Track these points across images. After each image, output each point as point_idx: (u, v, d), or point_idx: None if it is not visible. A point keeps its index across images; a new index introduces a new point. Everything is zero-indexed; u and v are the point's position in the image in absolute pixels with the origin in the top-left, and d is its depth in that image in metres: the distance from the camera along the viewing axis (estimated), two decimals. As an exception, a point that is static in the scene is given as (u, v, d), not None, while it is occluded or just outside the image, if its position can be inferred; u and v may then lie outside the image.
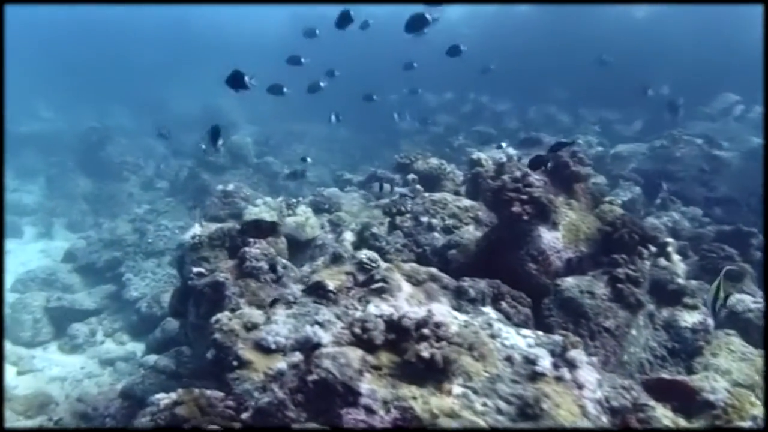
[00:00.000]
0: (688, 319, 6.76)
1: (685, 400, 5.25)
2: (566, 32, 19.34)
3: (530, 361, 4.58)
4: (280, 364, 4.33)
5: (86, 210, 18.59)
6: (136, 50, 34.56)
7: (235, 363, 4.46)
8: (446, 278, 5.83)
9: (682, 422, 4.69)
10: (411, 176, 10.09)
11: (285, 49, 11.02)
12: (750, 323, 7.16)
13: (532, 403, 4.15)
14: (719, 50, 17.71)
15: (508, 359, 4.64)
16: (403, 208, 8.25)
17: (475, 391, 4.28)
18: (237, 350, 4.55)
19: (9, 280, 13.49)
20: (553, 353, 4.68)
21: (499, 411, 4.15)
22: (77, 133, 22.26)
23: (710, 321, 6.88)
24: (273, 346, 4.54)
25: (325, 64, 11.56)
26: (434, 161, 10.66)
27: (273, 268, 6.69)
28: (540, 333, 5.15)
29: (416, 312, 4.56)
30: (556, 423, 4.07)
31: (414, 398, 4.09)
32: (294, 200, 9.65)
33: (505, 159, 9.03)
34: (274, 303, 6.48)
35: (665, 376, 5.94)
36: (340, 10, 9.04)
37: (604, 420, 4.32)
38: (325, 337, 4.46)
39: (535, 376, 4.46)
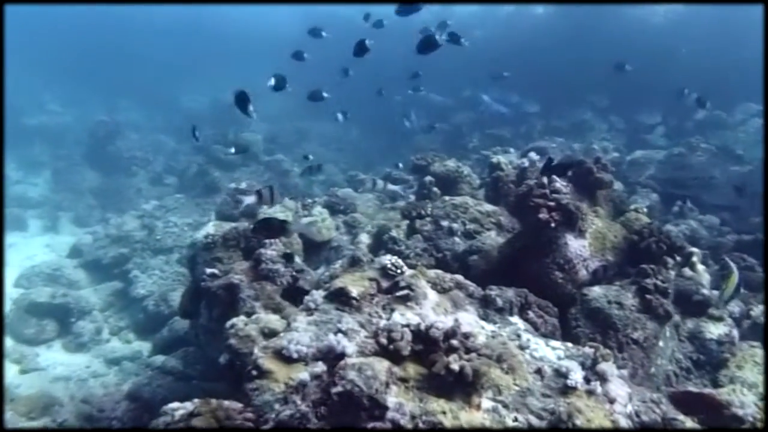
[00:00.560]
0: (714, 330, 6.65)
1: (713, 413, 5.12)
2: (581, 37, 19.11)
3: (561, 375, 4.41)
4: (302, 374, 4.14)
5: (93, 204, 18.39)
6: (147, 45, 34.46)
7: (254, 372, 4.26)
8: (472, 286, 5.64)
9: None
10: (428, 178, 9.88)
11: (296, 46, 10.86)
12: (774, 335, 6.99)
13: (565, 419, 3.97)
14: (737, 58, 17.48)
15: (539, 372, 4.47)
16: (423, 212, 8.06)
17: (505, 405, 4.10)
18: (256, 359, 4.35)
19: (13, 275, 13.30)
20: (583, 366, 4.50)
21: (531, 426, 3.97)
22: (86, 126, 22.07)
23: (735, 332, 6.74)
24: (295, 355, 4.33)
25: (334, 61, 11.40)
26: (451, 164, 10.43)
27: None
28: (569, 344, 4.97)
29: (444, 321, 4.36)
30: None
31: (443, 413, 3.90)
32: (310, 201, 9.49)
33: (527, 164, 8.82)
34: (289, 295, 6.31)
35: (692, 389, 5.80)
36: (357, 40, 8.82)
37: (637, 436, 4.16)
38: (349, 346, 4.27)
39: (567, 390, 4.29)
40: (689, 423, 4.49)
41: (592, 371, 4.45)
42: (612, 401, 4.28)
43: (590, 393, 4.29)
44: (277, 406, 4.04)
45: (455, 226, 7.90)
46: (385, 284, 5.22)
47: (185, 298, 7.96)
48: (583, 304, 6.01)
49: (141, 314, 12.16)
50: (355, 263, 6.86)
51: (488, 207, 8.26)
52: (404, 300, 4.99)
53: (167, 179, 19.57)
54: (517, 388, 4.27)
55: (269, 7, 36.42)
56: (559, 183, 6.48)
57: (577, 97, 18.29)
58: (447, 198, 8.56)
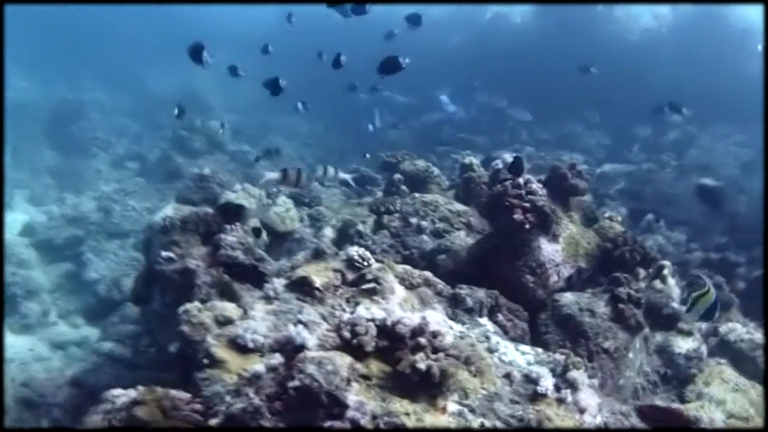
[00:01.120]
0: (682, 345, 6.53)
1: (680, 429, 5.03)
2: (561, 46, 19.01)
3: (531, 380, 4.21)
4: (258, 366, 3.84)
5: (50, 184, 17.72)
6: (117, 26, 33.65)
7: (205, 361, 3.95)
8: (441, 284, 5.41)
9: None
10: (397, 176, 9.70)
11: (270, 37, 10.64)
12: (742, 354, 6.89)
13: (534, 426, 3.77)
14: (711, 78, 17.57)
15: (507, 376, 4.25)
16: (391, 207, 7.80)
17: (471, 410, 3.86)
18: (209, 347, 4.03)
19: (-41, 251, 12.70)
20: (553, 372, 4.30)
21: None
22: (49, 104, 21.41)
23: (704, 348, 6.65)
24: (250, 345, 4.03)
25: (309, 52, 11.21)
26: (421, 163, 10.29)
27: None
28: (539, 350, 4.77)
29: (411, 318, 4.11)
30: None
31: (406, 414, 3.65)
32: (275, 189, 9.18)
33: (501, 165, 8.63)
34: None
35: (660, 403, 5.66)
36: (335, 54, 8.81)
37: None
38: (309, 339, 3.98)
39: (536, 397, 4.09)
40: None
41: (562, 379, 4.26)
42: (582, 411, 4.11)
43: (560, 401, 4.10)
44: (228, 399, 3.74)
45: (424, 223, 7.67)
46: (350, 276, 4.94)
47: (138, 282, 7.63)
48: (554, 310, 5.82)
49: (91, 298, 11.69)
50: (318, 255, 6.59)
51: (459, 206, 8.05)
52: (370, 293, 4.72)
53: (129, 163, 18.95)
54: (484, 392, 4.04)
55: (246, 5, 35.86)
56: (536, 184, 6.28)
57: (568, 108, 18.08)
58: (417, 195, 8.34)
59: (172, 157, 16.64)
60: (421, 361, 3.81)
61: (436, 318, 4.39)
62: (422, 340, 3.98)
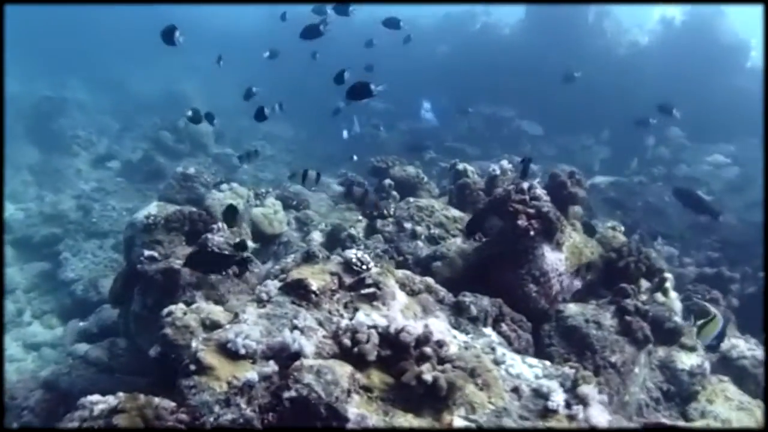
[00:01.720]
0: (686, 361, 6.24)
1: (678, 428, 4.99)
2: (549, 60, 18.85)
3: (541, 395, 3.93)
4: (250, 373, 3.54)
5: (29, 181, 17.26)
6: (103, 25, 33.18)
7: (192, 367, 3.63)
8: (443, 291, 5.12)
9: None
10: (387, 181, 9.48)
11: (260, 42, 10.47)
12: (744, 371, 6.67)
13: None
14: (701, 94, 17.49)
15: (515, 390, 3.98)
16: (385, 211, 7.52)
17: (479, 426, 3.58)
18: (196, 351, 3.71)
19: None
20: (563, 387, 4.03)
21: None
22: (31, 101, 20.95)
23: (707, 365, 6.41)
24: (242, 351, 3.71)
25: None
26: (411, 169, 10.15)
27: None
28: (547, 363, 4.49)
29: (415, 326, 3.82)
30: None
31: (411, 430, 3.36)
32: (263, 190, 8.88)
33: (498, 172, 8.37)
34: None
35: (666, 421, 5.43)
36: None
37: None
38: (306, 345, 3.68)
39: (547, 413, 3.81)
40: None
41: (572, 394, 3.98)
42: (593, 429, 3.82)
43: (571, 418, 3.82)
44: (217, 409, 3.42)
45: (419, 229, 7.39)
46: (348, 280, 4.65)
47: (118, 283, 7.24)
48: (558, 321, 5.55)
49: (68, 299, 11.29)
50: (309, 258, 6.27)
51: (455, 212, 7.78)
52: (370, 299, 4.43)
53: (110, 163, 18.56)
54: (492, 406, 3.77)
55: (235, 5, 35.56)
56: (540, 190, 6.02)
57: (564, 122, 17.90)
58: (412, 199, 8.07)
59: (154, 157, 16.35)
60: (428, 373, 3.54)
61: (440, 327, 4.14)
62: (427, 350, 3.71)
